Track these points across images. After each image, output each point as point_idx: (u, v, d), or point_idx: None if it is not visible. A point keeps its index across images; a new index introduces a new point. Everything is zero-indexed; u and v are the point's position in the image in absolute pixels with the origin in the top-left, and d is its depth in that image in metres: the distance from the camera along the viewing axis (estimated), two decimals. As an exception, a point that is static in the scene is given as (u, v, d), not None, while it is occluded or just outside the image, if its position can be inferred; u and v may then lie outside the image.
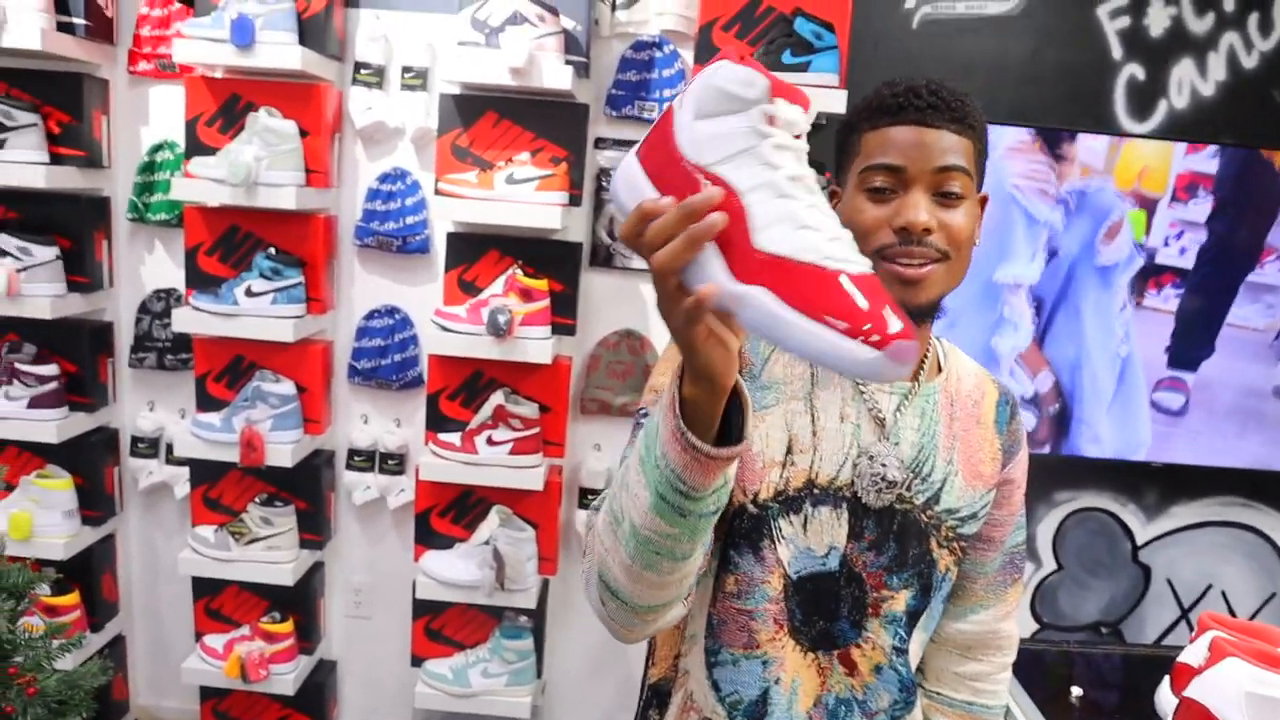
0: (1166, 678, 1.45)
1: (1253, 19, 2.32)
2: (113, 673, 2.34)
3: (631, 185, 0.72)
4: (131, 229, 2.44)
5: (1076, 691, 1.60)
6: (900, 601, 1.05)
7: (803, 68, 2.08)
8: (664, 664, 1.15)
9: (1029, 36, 2.32)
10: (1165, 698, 1.42)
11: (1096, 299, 2.31)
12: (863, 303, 0.66)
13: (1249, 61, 2.34)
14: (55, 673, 1.57)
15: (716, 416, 0.75)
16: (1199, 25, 2.32)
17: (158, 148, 2.36)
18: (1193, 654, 1.35)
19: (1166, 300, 2.32)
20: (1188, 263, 2.31)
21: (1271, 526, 2.59)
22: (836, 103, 2.05)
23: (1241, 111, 2.35)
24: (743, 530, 1.02)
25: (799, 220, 0.69)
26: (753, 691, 1.04)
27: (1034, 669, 1.70)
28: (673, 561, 0.82)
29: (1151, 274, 2.31)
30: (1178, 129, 2.36)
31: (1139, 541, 2.60)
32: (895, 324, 0.65)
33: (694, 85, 0.71)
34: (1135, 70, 2.35)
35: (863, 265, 0.69)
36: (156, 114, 2.37)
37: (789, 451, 1.01)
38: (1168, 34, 2.32)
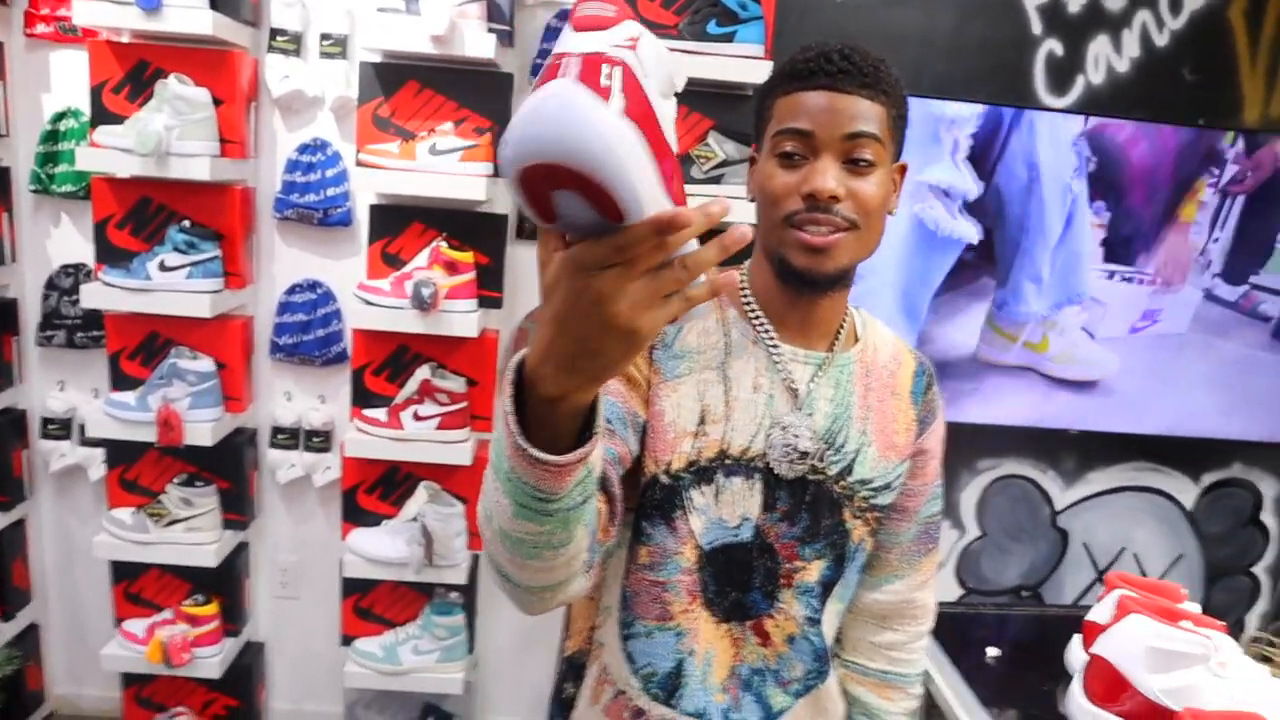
0: (1077, 635, 1.50)
1: (1164, -2, 2.38)
2: (20, 662, 2.28)
3: (653, 186, 0.57)
4: (35, 201, 2.33)
5: (992, 651, 1.65)
6: (813, 572, 1.05)
7: (728, 38, 2.07)
8: (579, 636, 1.15)
9: (952, 11, 2.34)
10: (1075, 654, 1.47)
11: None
12: None
13: (1160, 39, 2.40)
14: (-43, 663, 1.51)
15: (584, 409, 0.69)
16: (1114, 3, 2.37)
17: (60, 116, 2.26)
18: (1100, 612, 1.39)
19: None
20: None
21: (1180, 490, 2.69)
22: (762, 74, 2.05)
23: (1154, 88, 2.42)
24: (655, 501, 1.01)
25: None
26: (667, 663, 1.04)
27: (952, 631, 1.75)
28: (552, 550, 0.77)
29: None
30: (1094, 104, 2.41)
31: (1058, 507, 2.68)
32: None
33: (652, 57, 0.61)
34: (1054, 46, 2.40)
35: None
36: (59, 80, 2.26)
37: (701, 422, 1.00)
38: (1085, 10, 2.37)
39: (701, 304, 0.63)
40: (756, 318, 1.04)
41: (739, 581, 1.03)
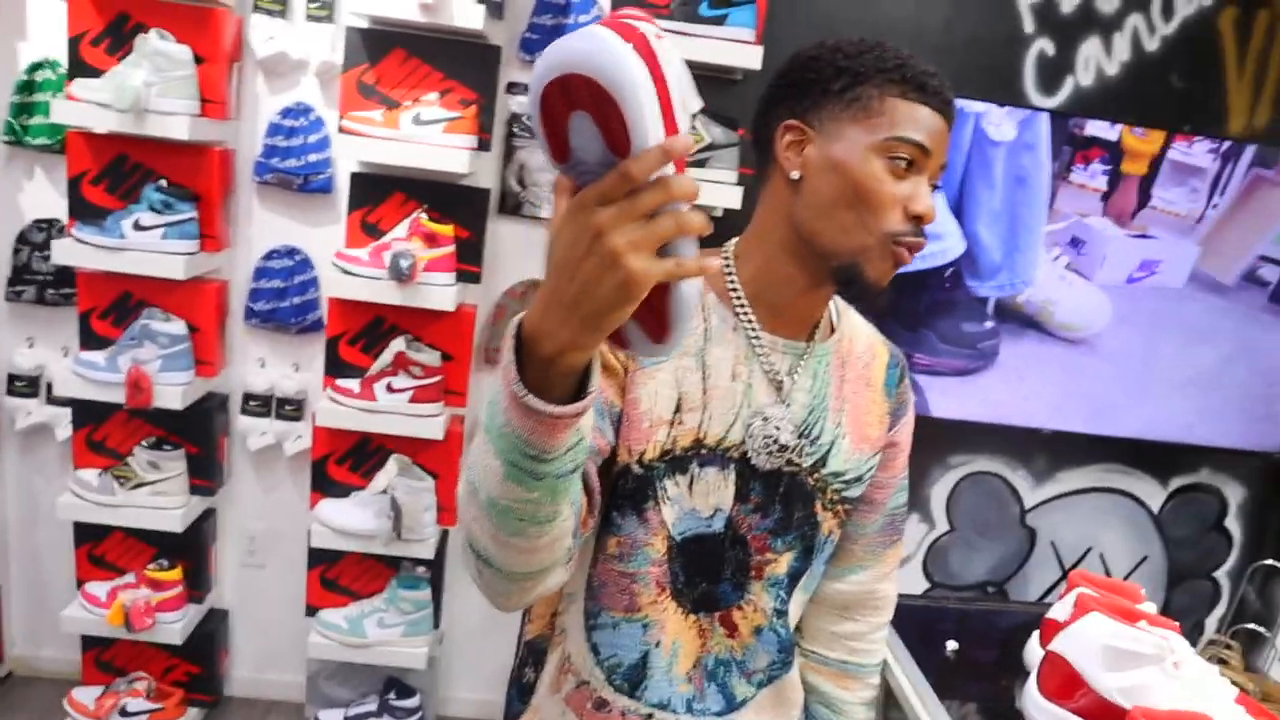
0: (1036, 632, 1.51)
1: (1156, 2, 2.37)
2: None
3: (658, 116, 0.62)
4: (8, 153, 2.29)
5: (951, 645, 1.66)
6: (783, 564, 1.05)
7: (720, 20, 2.06)
8: (540, 621, 1.14)
9: (944, 6, 2.33)
10: (1033, 650, 1.48)
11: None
12: None
13: (1151, 44, 2.40)
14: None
15: (582, 369, 0.70)
16: (1107, 4, 2.37)
17: (37, 66, 2.21)
18: (1060, 609, 1.40)
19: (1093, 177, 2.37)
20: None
21: (1148, 493, 2.72)
22: (752, 58, 2.04)
23: (1142, 92, 2.42)
24: (626, 491, 0.99)
25: None
26: (632, 655, 1.03)
27: (914, 624, 1.76)
28: (538, 526, 0.76)
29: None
30: (1083, 105, 2.41)
31: (1027, 505, 2.70)
32: None
33: (676, 60, 0.65)
34: (1045, 45, 2.39)
35: None
36: (35, 29, 2.22)
37: (677, 410, 0.98)
38: (1078, 11, 2.37)
39: (691, 298, 0.67)
40: (740, 304, 1.02)
41: (709, 572, 1.02)
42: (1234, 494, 2.73)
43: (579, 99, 0.62)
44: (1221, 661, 2.36)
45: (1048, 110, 2.36)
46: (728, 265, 1.03)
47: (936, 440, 2.61)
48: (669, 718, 1.04)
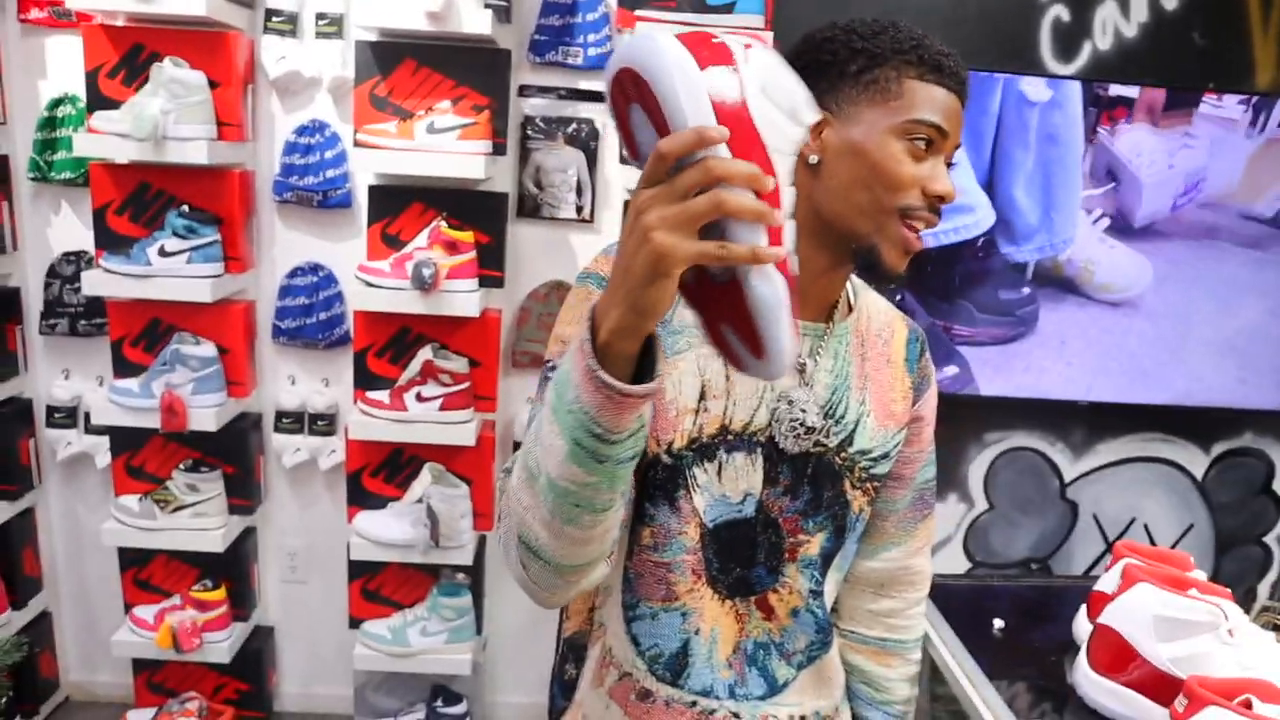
0: (1084, 606, 1.49)
1: (1172, -41, 2.33)
2: (27, 649, 2.29)
3: (698, 99, 0.65)
4: (35, 189, 2.33)
5: (998, 623, 1.64)
6: (815, 545, 1.05)
7: (728, 8, 2.05)
8: (578, 617, 1.14)
9: (955, -22, 2.31)
10: (1082, 625, 1.45)
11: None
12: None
13: (1170, 3, 2.36)
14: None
15: (633, 358, 0.73)
16: (1122, -35, 2.33)
17: (58, 102, 2.25)
18: (1107, 582, 1.38)
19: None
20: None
21: (1189, 460, 2.67)
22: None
23: (1163, 52, 2.37)
24: (657, 481, 1.00)
25: (789, 228, 0.71)
26: (673, 644, 1.04)
27: (958, 603, 1.74)
28: (593, 514, 0.79)
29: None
30: (1102, 70, 2.37)
31: (1066, 479, 2.67)
32: None
33: (767, 59, 0.69)
34: (1060, 11, 2.36)
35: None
36: (54, 66, 2.25)
37: (702, 397, 0.99)
38: (1091, -26, 2.33)
39: (768, 301, 0.68)
40: None
41: (743, 557, 1.03)
42: (1280, 456, 2.68)
43: (630, 92, 0.68)
44: (1276, 628, 2.32)
45: (1067, 77, 2.33)
46: None
47: (973, 417, 2.58)
48: (713, 704, 1.04)
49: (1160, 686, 1.17)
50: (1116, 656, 1.24)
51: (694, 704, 1.04)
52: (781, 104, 0.68)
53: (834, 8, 2.28)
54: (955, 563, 2.67)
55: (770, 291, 0.68)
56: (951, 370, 2.38)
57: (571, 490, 0.77)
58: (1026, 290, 2.39)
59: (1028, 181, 2.32)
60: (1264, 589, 2.75)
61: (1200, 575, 1.34)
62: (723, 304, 0.71)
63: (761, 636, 1.05)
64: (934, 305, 2.35)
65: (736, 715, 1.04)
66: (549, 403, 0.77)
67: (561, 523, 0.79)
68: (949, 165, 0.97)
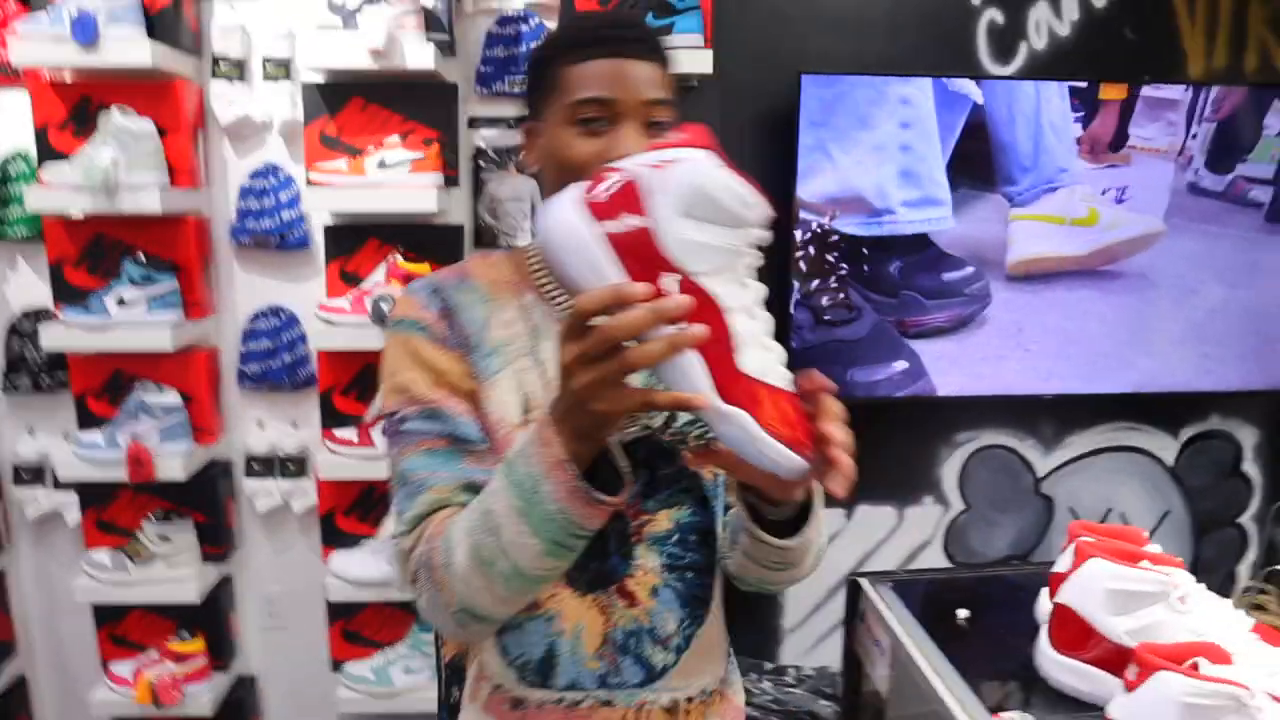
0: (1045, 588, 1.49)
1: (1098, -42, 2.39)
2: (3, 716, 2.25)
3: (590, 261, 0.73)
4: (-9, 248, 2.33)
5: (963, 613, 1.64)
6: (662, 521, 1.06)
7: (666, 30, 2.08)
8: (453, 642, 1.17)
9: (889, -13, 2.36)
10: (1043, 606, 1.46)
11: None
12: (802, 422, 0.75)
13: (1099, 1, 2.42)
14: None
15: (586, 462, 0.82)
16: (1050, -34, 2.39)
17: (8, 160, 2.26)
18: (1063, 561, 1.39)
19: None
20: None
21: (1159, 447, 2.69)
22: (703, 63, 2.06)
23: (1097, 49, 2.43)
24: None
25: (762, 342, 0.74)
26: (539, 650, 1.06)
27: (925, 597, 1.74)
28: (549, 582, 0.90)
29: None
30: (1039, 69, 2.42)
31: (1040, 474, 2.68)
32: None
33: (680, 179, 0.72)
34: (995, 15, 2.41)
35: (789, 377, 0.76)
36: (3, 124, 2.26)
37: (526, 410, 1.02)
38: (1022, -22, 2.39)
39: (738, 434, 0.74)
40: (553, 297, 1.07)
41: (595, 551, 1.03)
42: (1247, 437, 2.70)
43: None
44: (1258, 607, 2.33)
45: (1004, 78, 2.37)
46: (536, 264, 1.09)
47: (940, 418, 2.60)
48: (578, 695, 1.06)
49: (1118, 660, 1.17)
50: (1075, 634, 1.24)
51: (560, 700, 1.06)
52: (712, 215, 0.71)
53: (773, 24, 2.33)
54: (936, 565, 2.67)
55: (729, 430, 0.72)
56: (900, 365, 2.39)
57: (545, 575, 0.88)
58: (970, 268, 2.40)
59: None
60: (1244, 570, 2.76)
61: (1155, 548, 1.35)
62: (723, 455, 0.78)
63: (630, 624, 1.06)
64: (880, 304, 2.36)
65: (609, 703, 1.05)
66: (510, 506, 0.85)
67: (520, 596, 0.89)
68: (654, 125, 0.98)
